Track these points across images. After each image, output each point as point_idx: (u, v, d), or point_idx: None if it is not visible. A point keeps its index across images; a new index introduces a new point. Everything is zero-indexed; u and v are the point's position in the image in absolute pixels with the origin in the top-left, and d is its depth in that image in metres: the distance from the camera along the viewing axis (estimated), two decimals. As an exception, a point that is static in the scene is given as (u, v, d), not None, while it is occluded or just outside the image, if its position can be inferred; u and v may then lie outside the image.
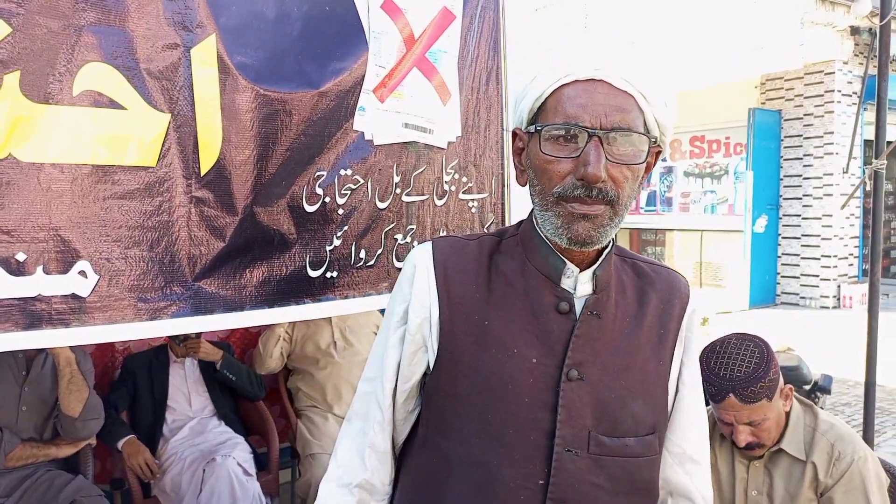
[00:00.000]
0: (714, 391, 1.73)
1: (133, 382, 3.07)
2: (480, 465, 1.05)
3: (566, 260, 1.07)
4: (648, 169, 1.06)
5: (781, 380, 1.79)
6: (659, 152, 1.07)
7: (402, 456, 1.18)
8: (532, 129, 1.04)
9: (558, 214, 1.02)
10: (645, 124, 1.02)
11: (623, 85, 0.99)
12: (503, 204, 2.15)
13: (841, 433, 1.80)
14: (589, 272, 1.08)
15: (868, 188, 3.26)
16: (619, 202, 1.01)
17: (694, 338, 1.17)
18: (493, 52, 2.07)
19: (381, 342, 1.17)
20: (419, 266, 1.12)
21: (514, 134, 1.11)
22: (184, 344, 3.07)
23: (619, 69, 0.99)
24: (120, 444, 2.86)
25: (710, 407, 1.89)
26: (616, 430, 1.06)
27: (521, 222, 1.16)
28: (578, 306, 1.08)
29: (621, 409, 1.07)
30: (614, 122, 0.98)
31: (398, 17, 1.78)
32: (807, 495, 1.79)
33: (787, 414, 1.83)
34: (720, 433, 1.89)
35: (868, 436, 3.16)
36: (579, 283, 1.08)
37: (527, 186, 1.10)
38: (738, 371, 1.72)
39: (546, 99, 1.03)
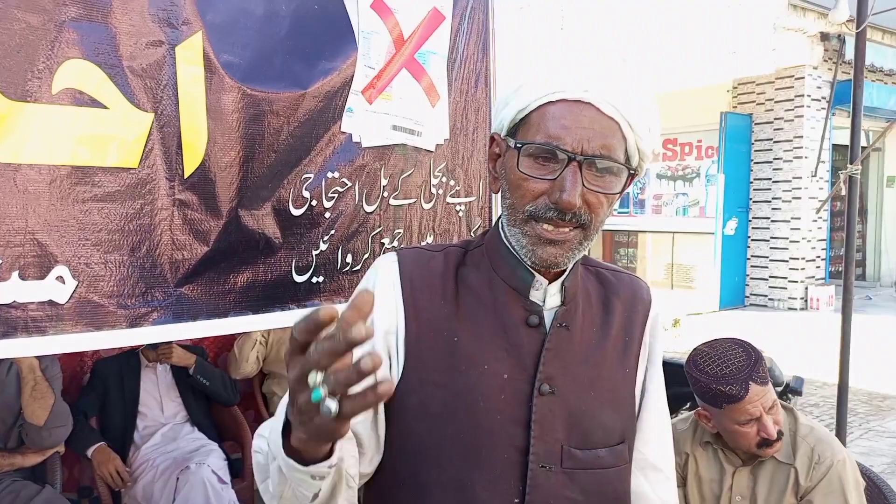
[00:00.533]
0: (735, 390, 1.68)
1: (103, 387, 2.98)
2: (454, 486, 1.01)
3: (535, 272, 1.04)
4: (622, 191, 1.04)
5: None
6: (635, 175, 1.05)
7: (369, 482, 1.09)
8: (511, 143, 1.00)
9: (525, 234, 1.00)
10: (626, 152, 1.00)
11: (610, 111, 0.96)
12: (490, 208, 2.13)
13: (820, 436, 1.81)
14: (557, 284, 1.06)
15: (843, 192, 3.31)
16: (592, 226, 1.00)
17: (658, 343, 1.16)
18: (482, 54, 2.04)
19: None
20: (385, 276, 1.06)
21: (492, 139, 1.07)
22: (156, 349, 2.98)
23: (608, 93, 0.96)
24: (89, 452, 2.77)
25: (690, 414, 1.88)
26: (587, 441, 1.05)
27: (485, 232, 1.13)
28: (548, 318, 1.06)
29: (591, 421, 1.05)
30: (595, 149, 0.95)
31: (388, 16, 1.74)
32: (788, 500, 1.79)
33: None
34: (703, 440, 1.88)
35: (840, 436, 3.20)
36: (548, 296, 1.06)
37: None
38: (739, 361, 1.71)
39: (530, 112, 0.99)
